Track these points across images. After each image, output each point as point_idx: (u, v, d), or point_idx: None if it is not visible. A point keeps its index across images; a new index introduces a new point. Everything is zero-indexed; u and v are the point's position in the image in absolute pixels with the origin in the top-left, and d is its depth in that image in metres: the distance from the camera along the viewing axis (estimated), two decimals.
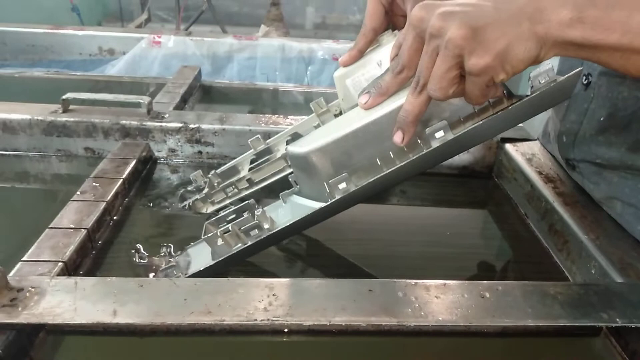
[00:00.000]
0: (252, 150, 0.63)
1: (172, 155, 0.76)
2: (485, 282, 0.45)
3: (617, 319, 0.42)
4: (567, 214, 0.57)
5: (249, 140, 0.62)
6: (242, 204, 0.52)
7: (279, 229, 0.47)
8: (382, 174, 0.44)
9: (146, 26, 2.13)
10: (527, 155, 0.70)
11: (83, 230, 0.54)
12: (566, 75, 0.41)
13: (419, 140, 0.43)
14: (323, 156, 0.46)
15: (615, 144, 0.50)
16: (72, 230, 0.53)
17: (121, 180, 0.64)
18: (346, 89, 0.51)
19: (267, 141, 0.63)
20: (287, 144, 0.62)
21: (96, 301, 0.40)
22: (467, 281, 0.45)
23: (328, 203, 0.46)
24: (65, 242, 0.51)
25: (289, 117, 0.79)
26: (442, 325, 0.40)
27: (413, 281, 0.44)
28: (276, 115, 0.79)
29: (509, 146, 0.72)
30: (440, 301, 0.42)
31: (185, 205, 0.65)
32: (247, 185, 0.64)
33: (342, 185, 0.45)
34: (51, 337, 0.42)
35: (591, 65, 0.51)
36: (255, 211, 0.49)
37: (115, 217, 0.62)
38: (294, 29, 2.33)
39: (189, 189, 0.68)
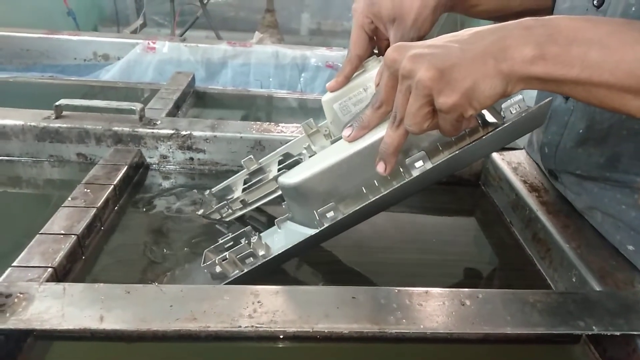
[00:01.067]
0: (245, 170, 0.65)
1: (164, 161, 0.77)
2: (466, 290, 0.46)
3: (594, 327, 0.43)
4: (550, 222, 0.58)
5: (242, 160, 0.64)
6: (239, 232, 0.54)
7: (272, 256, 0.49)
8: (368, 202, 0.46)
9: (142, 31, 2.14)
10: (513, 164, 0.71)
11: (73, 236, 0.54)
12: (537, 106, 0.43)
13: (401, 169, 0.45)
14: (311, 186, 0.49)
15: (594, 156, 0.51)
16: (62, 236, 0.54)
17: (112, 186, 0.65)
18: (334, 113, 0.53)
19: (260, 161, 0.65)
20: (278, 164, 0.64)
21: (84, 307, 0.41)
22: (448, 289, 0.46)
23: (318, 231, 0.48)
24: (55, 248, 0.52)
25: (279, 124, 0.80)
26: (422, 333, 0.41)
27: (396, 288, 0.45)
28: (267, 123, 0.80)
29: (495, 155, 0.73)
30: (421, 308, 0.43)
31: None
32: (241, 206, 0.66)
33: (330, 214, 0.47)
34: (39, 342, 0.42)
35: None
36: (252, 238, 0.51)
37: (106, 223, 0.62)
38: (289, 34, 2.34)
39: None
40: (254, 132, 0.76)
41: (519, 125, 0.43)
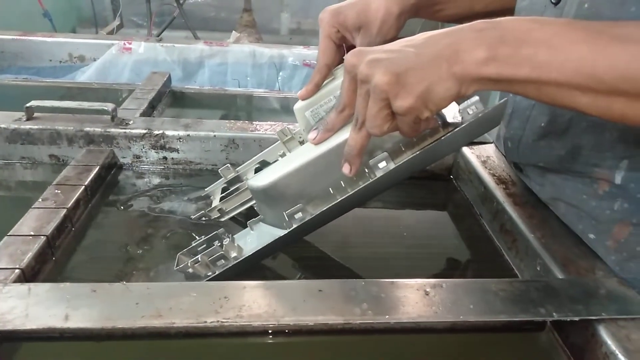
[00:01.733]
0: (222, 179, 0.66)
1: (137, 161, 0.77)
2: (430, 280, 0.47)
3: (554, 313, 0.44)
4: (516, 214, 0.59)
5: (219, 169, 0.65)
6: (211, 235, 0.55)
7: (243, 257, 0.50)
8: (335, 202, 0.47)
9: (119, 32, 2.12)
10: (482, 157, 0.72)
11: (42, 237, 0.54)
12: (492, 106, 0.45)
13: (366, 170, 0.47)
14: (279, 189, 0.50)
15: (556, 148, 0.52)
16: (31, 237, 0.54)
17: (83, 187, 0.64)
18: (306, 120, 0.55)
19: (237, 169, 0.66)
20: (255, 172, 0.65)
21: (49, 307, 0.41)
22: (413, 279, 0.46)
23: (287, 232, 0.49)
24: (23, 250, 0.51)
25: (254, 122, 0.80)
26: (387, 323, 0.42)
27: (362, 280, 0.46)
28: (241, 121, 0.80)
29: (466, 149, 0.75)
30: (387, 299, 0.44)
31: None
32: (219, 215, 0.66)
33: (299, 215, 0.49)
34: (6, 344, 0.42)
35: None
36: (224, 241, 0.52)
37: (77, 224, 0.62)
38: (269, 34, 2.34)
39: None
40: (227, 130, 0.77)
41: (477, 125, 0.45)
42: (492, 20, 0.40)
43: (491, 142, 0.76)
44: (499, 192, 0.64)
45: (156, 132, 0.75)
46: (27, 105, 0.75)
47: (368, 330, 0.44)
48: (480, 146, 0.75)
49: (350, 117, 0.46)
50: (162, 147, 0.76)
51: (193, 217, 0.66)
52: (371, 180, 0.46)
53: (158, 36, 1.36)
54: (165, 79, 1.06)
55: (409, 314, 0.42)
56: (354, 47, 0.54)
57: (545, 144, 0.53)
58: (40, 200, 0.61)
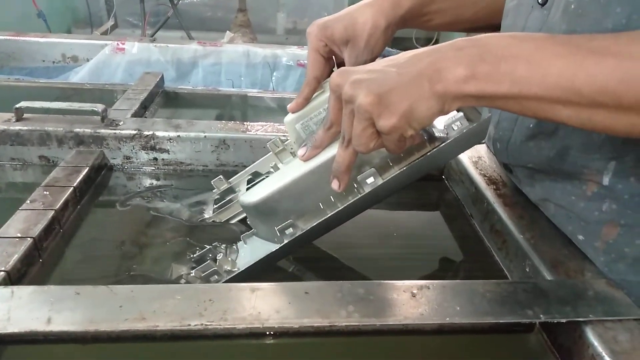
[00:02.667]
0: (215, 190, 0.66)
1: (127, 162, 0.76)
2: (418, 281, 0.46)
3: (541, 315, 0.44)
4: (506, 214, 0.59)
5: (212, 181, 0.65)
6: (205, 250, 0.56)
7: (236, 273, 0.51)
8: (326, 217, 0.48)
9: (113, 32, 2.11)
10: (474, 158, 0.72)
11: (29, 239, 0.54)
12: (477, 122, 0.46)
13: (354, 185, 0.48)
14: (270, 204, 0.51)
15: (544, 149, 0.52)
16: (17, 239, 0.53)
17: (72, 188, 0.64)
18: (297, 133, 0.56)
19: (230, 180, 0.66)
20: (247, 183, 0.65)
21: (32, 310, 0.41)
22: (400, 281, 0.46)
23: (278, 247, 0.50)
24: (9, 252, 0.51)
25: (245, 123, 0.80)
26: (372, 325, 0.42)
27: (349, 282, 0.46)
28: (232, 122, 0.80)
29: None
30: (373, 301, 0.44)
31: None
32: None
33: (289, 231, 0.50)
34: None
35: None
36: (217, 255, 0.53)
37: (65, 226, 0.62)
38: (265, 34, 2.33)
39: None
40: (217, 131, 0.76)
41: (462, 140, 0.47)
42: (472, 37, 0.40)
43: (483, 142, 0.76)
44: (489, 193, 0.64)
45: (146, 133, 0.75)
46: (17, 106, 0.75)
47: (355, 332, 0.43)
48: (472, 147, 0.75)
49: (337, 134, 0.46)
50: (153, 148, 0.76)
51: (194, 219, 0.66)
52: (360, 196, 0.47)
53: (152, 36, 1.36)
54: (158, 80, 1.05)
55: (395, 316, 0.42)
56: (343, 59, 0.56)
57: (534, 145, 0.53)
58: (28, 201, 0.60)
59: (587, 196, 0.50)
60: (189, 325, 0.40)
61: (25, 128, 0.74)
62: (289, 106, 0.56)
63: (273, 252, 0.50)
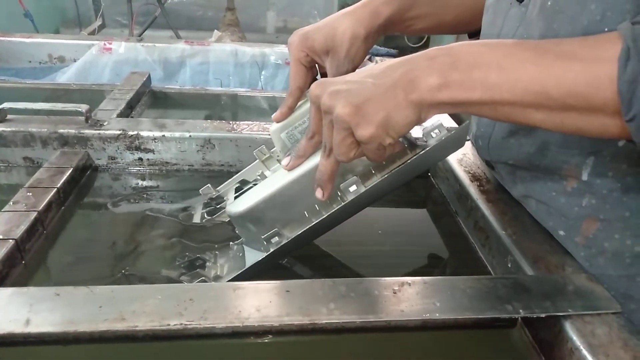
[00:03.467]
0: (202, 196, 0.66)
1: (112, 162, 0.76)
2: (399, 278, 0.46)
3: (521, 310, 0.44)
4: (489, 211, 0.60)
5: (200, 189, 0.66)
6: (194, 258, 0.56)
7: (226, 281, 0.51)
8: (311, 225, 0.49)
9: (101, 32, 2.10)
10: (459, 155, 0.72)
11: (11, 240, 0.53)
12: (456, 129, 0.47)
13: (338, 193, 0.48)
14: (255, 214, 0.51)
15: (525, 146, 0.52)
16: None
17: (55, 189, 0.64)
18: (282, 142, 0.56)
19: (218, 188, 0.67)
20: (235, 191, 0.65)
21: (10, 311, 0.40)
22: (381, 278, 0.46)
23: (265, 256, 0.50)
24: None
25: (230, 122, 0.80)
26: (352, 322, 0.42)
27: (331, 280, 0.46)
28: (218, 121, 0.80)
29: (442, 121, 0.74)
30: (354, 298, 0.44)
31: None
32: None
33: (275, 239, 0.50)
34: None
35: None
36: (207, 262, 0.54)
37: (49, 227, 0.61)
38: (255, 33, 2.33)
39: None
40: (203, 130, 0.76)
41: (442, 146, 0.48)
42: (445, 46, 0.41)
43: (467, 139, 0.76)
44: (473, 190, 0.64)
45: (131, 133, 0.74)
46: (0, 107, 0.74)
47: (338, 329, 0.43)
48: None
49: (320, 143, 0.47)
50: (137, 148, 0.75)
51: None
52: (343, 204, 0.48)
53: (140, 36, 1.35)
54: (144, 79, 1.05)
55: (376, 314, 0.42)
56: (324, 69, 0.56)
57: (515, 142, 0.53)
58: (11, 203, 0.60)
59: (567, 192, 0.50)
60: (169, 325, 0.40)
61: (9, 129, 0.73)
62: (273, 116, 0.56)
63: (259, 261, 0.51)
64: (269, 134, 0.58)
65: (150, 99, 1.07)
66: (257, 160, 0.63)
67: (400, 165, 0.48)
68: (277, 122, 0.56)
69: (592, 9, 0.42)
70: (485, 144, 0.58)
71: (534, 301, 0.45)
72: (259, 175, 0.63)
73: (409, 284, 0.46)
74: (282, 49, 1.33)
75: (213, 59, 1.28)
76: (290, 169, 0.51)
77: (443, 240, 0.66)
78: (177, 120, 0.79)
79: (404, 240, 0.67)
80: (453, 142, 0.48)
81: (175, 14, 2.28)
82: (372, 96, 0.40)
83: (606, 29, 0.41)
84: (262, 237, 0.50)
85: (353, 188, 0.48)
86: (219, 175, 0.77)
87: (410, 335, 0.46)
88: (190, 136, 0.75)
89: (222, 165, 0.78)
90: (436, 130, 0.48)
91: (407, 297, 0.44)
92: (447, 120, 0.51)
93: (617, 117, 0.36)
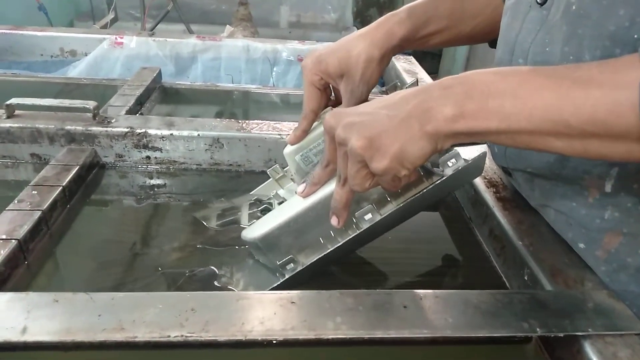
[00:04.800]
0: (218, 202, 0.67)
1: (120, 160, 0.75)
2: (409, 291, 0.45)
3: (538, 329, 0.42)
4: (505, 219, 0.57)
5: (214, 204, 0.66)
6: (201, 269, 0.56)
7: None
8: (326, 252, 0.49)
9: (114, 26, 2.10)
10: None
11: (14, 241, 0.52)
12: (472, 159, 0.47)
13: (354, 220, 0.48)
14: (271, 240, 0.51)
15: (545, 154, 0.50)
16: (1, 241, 0.52)
17: (61, 187, 0.63)
18: (297, 164, 0.57)
19: (233, 200, 0.67)
20: (249, 207, 0.66)
21: (7, 318, 0.39)
22: (391, 290, 0.45)
23: (280, 282, 0.51)
24: None
25: (239, 121, 0.78)
26: (360, 338, 0.40)
27: (338, 292, 0.44)
28: (227, 120, 0.78)
29: (458, 150, 0.72)
30: (362, 312, 0.42)
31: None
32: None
33: (291, 266, 0.51)
34: None
35: None
36: (222, 279, 0.53)
37: (53, 227, 0.60)
38: (268, 28, 2.31)
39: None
40: (211, 129, 0.75)
41: (459, 176, 0.47)
42: (459, 75, 0.41)
43: (484, 143, 0.74)
44: (488, 196, 0.62)
45: (138, 131, 0.73)
46: (7, 102, 0.73)
47: (345, 342, 0.42)
48: (473, 147, 0.73)
49: (334, 171, 0.47)
50: (145, 146, 0.74)
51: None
52: (359, 232, 0.47)
53: (152, 30, 1.34)
54: (155, 75, 1.04)
55: (384, 329, 0.40)
56: (339, 91, 0.56)
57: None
58: (15, 201, 0.59)
59: (589, 203, 0.48)
60: (169, 337, 0.38)
61: (16, 125, 0.73)
62: (287, 138, 0.57)
63: (275, 286, 0.51)
64: (283, 150, 0.58)
65: (160, 95, 1.06)
66: (271, 179, 0.63)
67: (416, 195, 0.48)
68: (292, 144, 0.56)
69: (620, 15, 0.39)
70: (502, 150, 0.55)
71: (551, 319, 0.43)
72: (273, 195, 0.63)
73: (420, 298, 0.44)
74: (295, 45, 1.31)
75: (225, 55, 1.27)
76: (305, 196, 0.51)
77: (456, 247, 0.64)
78: (186, 119, 0.77)
79: (415, 246, 0.65)
80: (470, 171, 0.48)
81: (188, 7, 2.26)
82: (386, 128, 0.40)
83: (635, 36, 0.39)
84: (278, 263, 0.51)
85: (368, 216, 0.47)
86: (227, 175, 0.76)
87: (421, 349, 0.44)
88: (198, 135, 0.74)
89: (231, 165, 0.76)
90: (453, 160, 0.47)
91: (417, 312, 0.42)
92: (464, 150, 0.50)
93: None
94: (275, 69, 1.29)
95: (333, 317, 0.41)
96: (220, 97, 1.10)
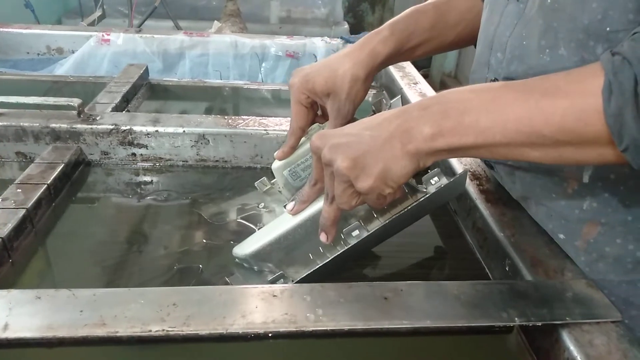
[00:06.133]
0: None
1: (105, 158, 0.75)
2: (389, 283, 0.45)
3: (516, 318, 0.42)
4: (487, 211, 0.58)
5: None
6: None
7: None
8: (316, 267, 0.50)
9: (102, 23, 2.08)
10: None
11: None
12: (454, 177, 0.48)
13: (342, 236, 0.49)
14: (261, 256, 0.53)
15: None
16: None
17: (45, 185, 0.63)
18: (285, 179, 0.59)
19: (221, 205, 0.67)
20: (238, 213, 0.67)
21: None
22: (372, 282, 0.45)
23: None
24: None
25: (225, 117, 0.78)
26: (340, 329, 0.41)
27: (320, 285, 0.45)
28: (212, 116, 0.78)
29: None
30: (343, 304, 0.42)
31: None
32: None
33: (281, 282, 0.51)
34: None
35: (496, 70, 0.52)
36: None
37: (38, 225, 0.60)
38: (259, 23, 2.30)
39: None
40: (197, 125, 0.75)
41: (441, 193, 0.49)
42: (436, 95, 0.43)
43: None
44: (472, 189, 0.62)
45: (123, 128, 0.73)
46: None
47: (328, 334, 0.42)
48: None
49: (322, 190, 0.48)
50: (130, 143, 0.74)
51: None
52: (346, 248, 0.49)
53: (139, 27, 1.33)
54: (142, 72, 1.03)
55: (365, 321, 0.41)
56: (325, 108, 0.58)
57: None
58: (0, 199, 0.59)
59: (568, 194, 0.49)
60: (150, 331, 0.39)
61: (1, 124, 0.72)
62: (276, 154, 0.58)
63: None
64: (272, 165, 0.59)
65: (147, 92, 1.05)
66: (259, 191, 0.64)
67: (401, 211, 0.49)
68: (280, 159, 0.58)
69: (593, 8, 0.40)
70: None
71: (530, 308, 0.43)
72: (257, 204, 0.66)
73: (401, 290, 0.44)
74: (283, 40, 1.31)
75: (212, 51, 1.26)
76: (294, 213, 0.52)
77: (441, 240, 0.65)
78: (171, 115, 0.77)
79: (401, 239, 0.65)
80: (452, 189, 0.50)
81: (178, 3, 2.25)
82: (370, 149, 0.41)
83: (608, 29, 0.39)
84: (268, 279, 0.52)
85: (356, 233, 0.49)
86: (214, 170, 0.76)
87: (403, 340, 0.45)
88: (184, 131, 0.74)
89: (217, 161, 0.76)
90: (435, 178, 0.49)
91: (398, 304, 0.43)
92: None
93: (612, 147, 0.36)
94: (263, 64, 1.29)
95: (314, 309, 0.42)
96: (208, 93, 1.10)
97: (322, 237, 0.49)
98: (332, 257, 0.49)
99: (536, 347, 0.46)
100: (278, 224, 0.54)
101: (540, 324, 0.42)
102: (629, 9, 0.38)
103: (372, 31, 0.60)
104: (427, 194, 0.48)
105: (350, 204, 0.45)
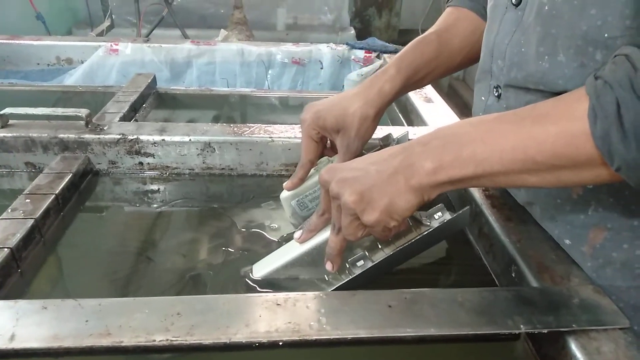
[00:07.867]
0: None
1: (113, 167, 0.76)
2: (394, 290, 0.45)
3: (522, 325, 0.42)
4: (493, 217, 0.57)
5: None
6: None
7: None
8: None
9: (110, 33, 2.11)
10: None
11: (6, 249, 0.53)
12: (457, 213, 0.49)
13: (347, 266, 0.51)
14: (273, 279, 0.54)
15: None
16: None
17: (54, 195, 0.63)
18: (293, 208, 0.61)
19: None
20: None
21: None
22: (375, 291, 0.45)
23: None
24: None
25: (231, 125, 0.78)
26: (343, 338, 0.40)
27: (322, 293, 0.45)
28: (219, 124, 0.79)
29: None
30: (347, 312, 0.42)
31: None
32: None
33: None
34: None
35: (498, 77, 0.52)
36: None
37: (47, 234, 0.61)
38: (265, 30, 2.31)
39: None
40: (203, 134, 0.75)
41: (445, 228, 0.50)
42: (435, 130, 0.44)
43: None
44: (477, 194, 0.62)
45: (130, 137, 0.74)
46: (1, 112, 0.74)
47: (332, 342, 0.42)
48: None
49: (329, 220, 0.49)
50: (138, 153, 0.75)
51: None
52: (350, 278, 0.50)
53: (147, 36, 1.35)
54: (149, 81, 1.04)
55: (369, 329, 0.41)
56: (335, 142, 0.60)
57: None
58: (9, 210, 0.60)
59: (573, 199, 0.48)
60: (154, 341, 0.39)
61: (10, 134, 0.73)
62: (284, 184, 0.60)
63: None
64: (280, 195, 0.61)
65: (155, 101, 1.06)
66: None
67: (405, 244, 0.50)
68: (289, 190, 0.60)
69: (591, 14, 0.40)
70: None
71: (536, 315, 0.43)
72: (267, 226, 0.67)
73: (405, 297, 0.44)
74: (289, 47, 1.32)
75: (219, 59, 1.27)
76: (302, 242, 0.54)
77: (448, 246, 0.64)
78: (177, 124, 0.78)
79: None
80: (456, 224, 0.51)
81: (186, 12, 2.27)
82: (376, 183, 0.43)
83: (606, 35, 0.39)
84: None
85: (360, 263, 0.50)
86: (219, 179, 0.77)
87: (408, 348, 0.45)
88: (190, 140, 0.74)
89: (223, 168, 0.77)
90: (439, 213, 0.50)
91: (402, 311, 0.43)
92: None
93: (607, 167, 0.36)
94: (270, 71, 1.30)
95: (318, 318, 0.42)
96: (215, 101, 1.11)
97: (328, 266, 0.50)
98: (337, 285, 0.50)
99: (543, 354, 0.45)
100: (288, 250, 0.55)
101: (546, 331, 0.42)
102: (625, 15, 0.38)
103: (379, 70, 0.62)
104: (430, 228, 0.49)
105: (356, 235, 0.46)
